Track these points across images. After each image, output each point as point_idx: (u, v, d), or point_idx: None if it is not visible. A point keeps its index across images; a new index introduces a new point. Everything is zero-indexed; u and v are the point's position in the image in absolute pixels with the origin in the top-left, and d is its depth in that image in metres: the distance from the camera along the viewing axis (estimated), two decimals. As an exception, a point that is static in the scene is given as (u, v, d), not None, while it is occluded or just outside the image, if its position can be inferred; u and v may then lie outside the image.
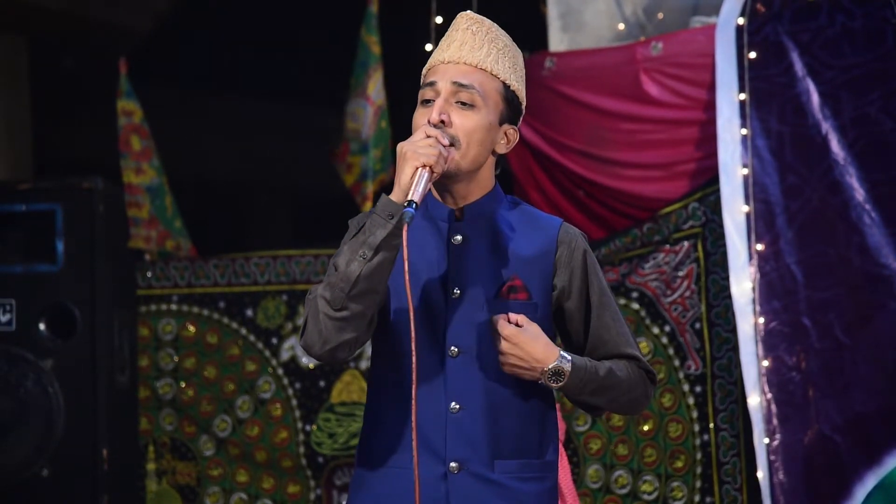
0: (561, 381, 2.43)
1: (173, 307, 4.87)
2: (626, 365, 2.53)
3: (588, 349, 2.55)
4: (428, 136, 2.39)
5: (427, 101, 2.48)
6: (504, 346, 2.42)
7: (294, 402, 4.74)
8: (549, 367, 2.42)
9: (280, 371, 4.76)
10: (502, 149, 2.52)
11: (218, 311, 4.83)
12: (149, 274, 4.89)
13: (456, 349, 2.46)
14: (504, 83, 2.50)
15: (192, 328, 4.85)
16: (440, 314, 2.47)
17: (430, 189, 2.46)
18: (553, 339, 2.50)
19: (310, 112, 7.37)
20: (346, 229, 2.49)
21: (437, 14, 4.78)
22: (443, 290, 2.48)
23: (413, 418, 2.36)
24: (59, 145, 6.92)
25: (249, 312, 4.80)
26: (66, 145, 7.00)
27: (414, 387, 2.34)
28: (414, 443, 2.36)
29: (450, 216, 2.51)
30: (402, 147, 2.38)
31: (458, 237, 2.50)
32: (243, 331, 4.80)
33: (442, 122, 2.43)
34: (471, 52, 2.49)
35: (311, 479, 4.70)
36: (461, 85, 2.46)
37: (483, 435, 2.46)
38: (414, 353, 2.33)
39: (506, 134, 2.52)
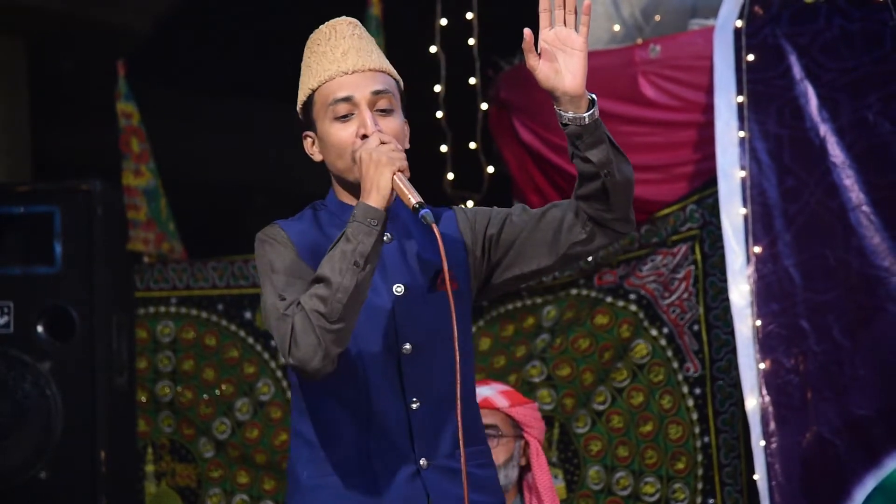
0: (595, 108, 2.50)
1: (172, 309, 4.86)
2: None
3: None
4: (385, 143, 2.38)
5: (344, 117, 2.46)
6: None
7: (294, 404, 4.73)
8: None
9: (279, 373, 4.76)
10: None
11: (217, 314, 4.82)
12: (146, 276, 4.89)
13: (409, 346, 2.48)
14: (396, 79, 2.51)
15: (191, 332, 4.85)
16: (388, 313, 2.48)
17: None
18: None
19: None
20: None
21: (442, 16, 4.79)
22: (386, 289, 2.49)
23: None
24: (58, 147, 6.91)
25: (248, 315, 4.80)
26: (64, 147, 7.00)
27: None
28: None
29: None
30: (371, 153, 2.36)
31: (388, 235, 2.49)
32: (242, 333, 4.80)
33: (379, 131, 2.43)
34: (368, 57, 2.48)
35: (311, 481, 4.69)
36: (379, 92, 2.45)
37: (443, 427, 2.49)
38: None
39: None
